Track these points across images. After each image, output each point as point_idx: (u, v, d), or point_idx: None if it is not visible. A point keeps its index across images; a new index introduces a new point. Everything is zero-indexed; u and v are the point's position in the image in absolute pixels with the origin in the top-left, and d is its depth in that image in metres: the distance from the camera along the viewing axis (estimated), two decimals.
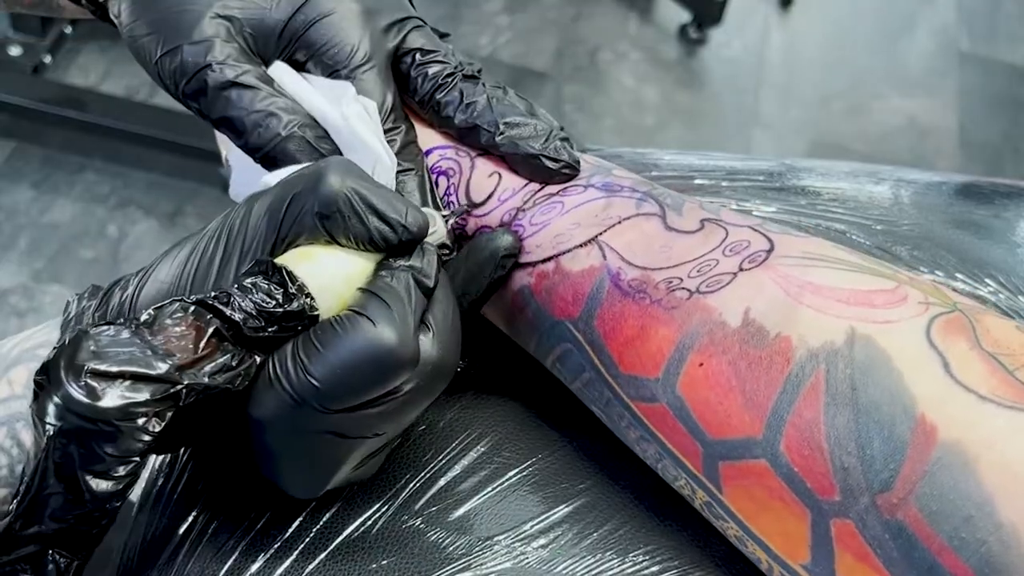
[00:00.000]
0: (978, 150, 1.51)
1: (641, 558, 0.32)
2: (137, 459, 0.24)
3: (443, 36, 0.37)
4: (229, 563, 0.32)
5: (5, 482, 0.28)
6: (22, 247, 1.20)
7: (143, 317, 0.25)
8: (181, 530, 0.33)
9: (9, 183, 1.26)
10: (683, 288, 0.29)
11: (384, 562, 0.31)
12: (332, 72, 0.33)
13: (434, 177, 0.34)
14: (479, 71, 0.35)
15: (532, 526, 0.32)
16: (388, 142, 0.33)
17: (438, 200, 0.34)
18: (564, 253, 0.32)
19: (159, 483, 0.35)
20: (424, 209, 0.29)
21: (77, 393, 0.23)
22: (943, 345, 0.25)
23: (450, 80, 0.34)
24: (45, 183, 1.26)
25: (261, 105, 0.32)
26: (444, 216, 0.31)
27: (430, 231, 0.29)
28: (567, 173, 0.33)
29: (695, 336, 0.28)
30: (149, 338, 0.24)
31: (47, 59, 1.34)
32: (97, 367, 0.23)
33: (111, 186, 1.26)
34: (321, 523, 0.32)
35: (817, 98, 1.54)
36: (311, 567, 0.31)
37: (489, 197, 0.34)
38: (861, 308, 0.26)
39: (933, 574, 0.23)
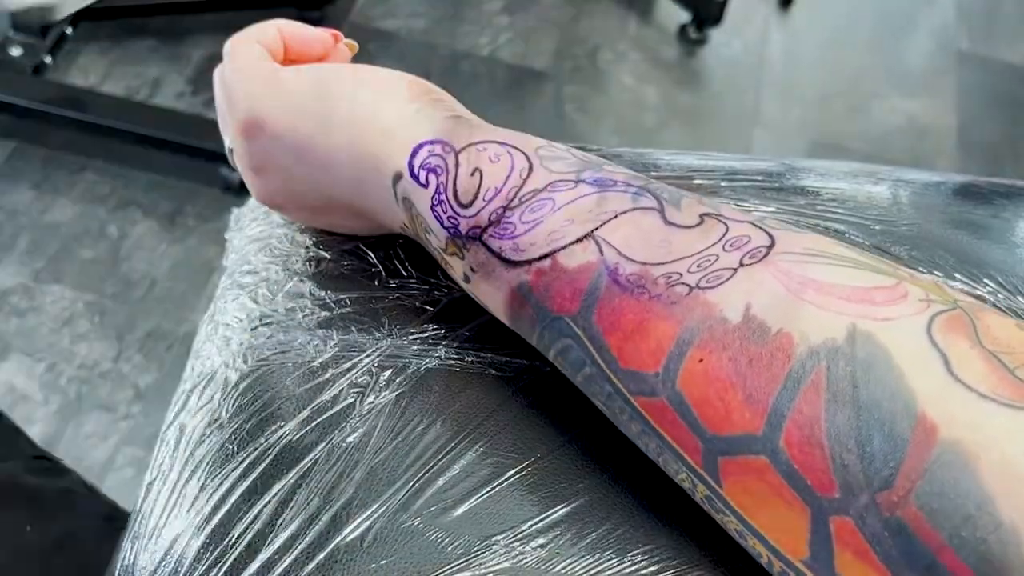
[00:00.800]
0: (977, 150, 1.51)
1: (640, 558, 0.32)
2: None
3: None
4: (228, 563, 0.32)
5: None
6: (22, 247, 1.20)
7: None
8: (180, 529, 0.33)
9: (9, 183, 1.26)
10: (683, 283, 0.29)
11: (383, 562, 0.31)
12: None
13: (424, 174, 0.34)
14: None
15: (531, 526, 0.32)
16: None
17: None
18: (560, 250, 0.32)
19: (161, 481, 0.35)
20: None
21: None
22: (944, 343, 0.25)
23: None
24: (45, 183, 1.26)
25: None
26: None
27: None
28: None
29: (695, 332, 0.28)
30: None
31: (47, 59, 1.34)
32: None
33: (111, 186, 1.26)
34: (319, 524, 0.32)
35: (817, 98, 1.54)
36: (309, 568, 0.31)
37: (475, 199, 0.33)
38: (862, 305, 0.26)
39: (932, 572, 0.23)
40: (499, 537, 0.32)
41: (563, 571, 0.31)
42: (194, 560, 0.32)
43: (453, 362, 0.37)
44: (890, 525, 0.24)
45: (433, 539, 0.32)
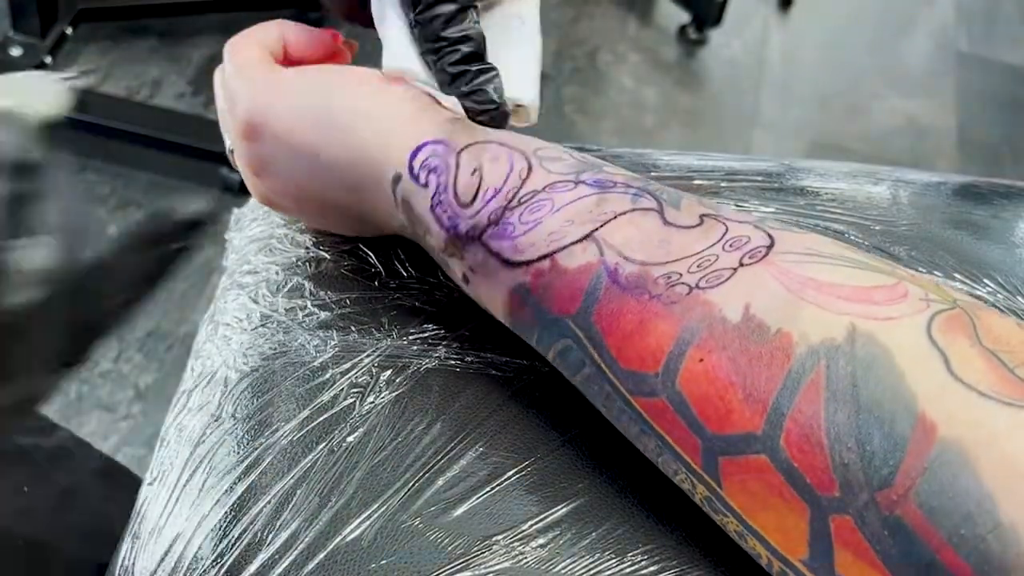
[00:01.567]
0: (977, 150, 1.51)
1: (640, 558, 0.32)
2: None
3: None
4: (228, 563, 0.32)
5: None
6: None
7: None
8: (181, 529, 0.33)
9: None
10: (682, 283, 0.29)
11: (383, 562, 0.31)
12: None
13: (424, 174, 0.34)
14: None
15: (531, 526, 0.32)
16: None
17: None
18: (560, 250, 0.32)
19: (162, 481, 0.35)
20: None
21: None
22: (944, 342, 0.25)
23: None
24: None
25: None
26: None
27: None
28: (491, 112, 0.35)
29: (695, 331, 0.28)
30: None
31: (47, 59, 1.34)
32: None
33: (111, 186, 1.26)
34: (320, 524, 0.32)
35: (817, 98, 1.54)
36: (309, 567, 0.31)
37: (474, 198, 0.33)
38: (862, 305, 0.26)
39: (932, 571, 0.23)
40: (499, 537, 0.32)
41: (563, 571, 0.31)
42: (194, 560, 0.32)
43: (453, 362, 0.37)
44: (890, 524, 0.24)
45: (433, 539, 0.32)
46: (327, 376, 0.36)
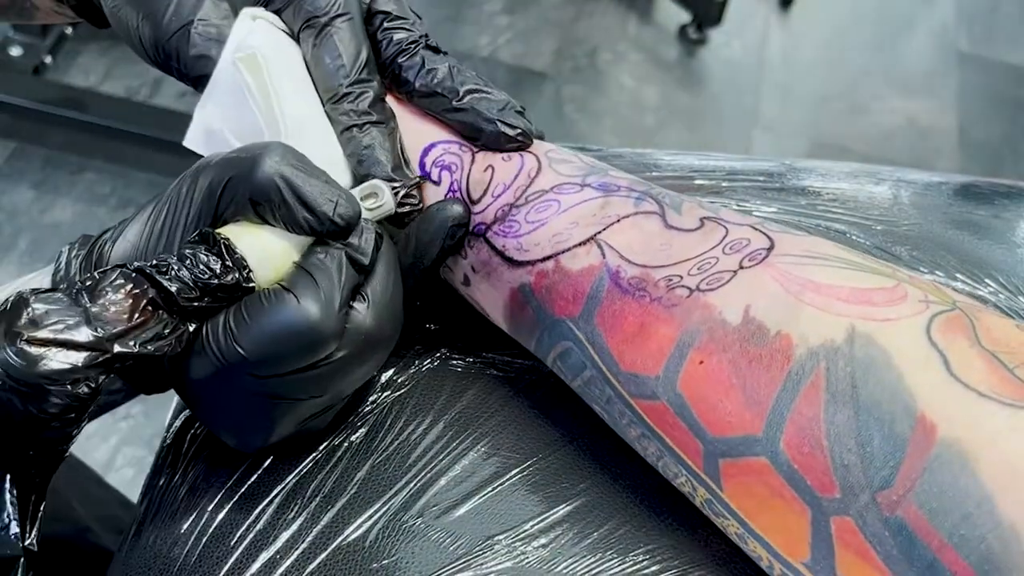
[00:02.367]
0: (977, 150, 1.51)
1: (641, 558, 0.32)
2: (73, 416, 0.26)
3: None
4: (229, 563, 0.32)
5: None
6: (22, 247, 1.20)
7: (88, 282, 0.26)
8: (183, 528, 0.33)
9: (9, 183, 1.26)
10: (683, 286, 0.29)
11: (385, 562, 0.31)
12: (308, 20, 0.34)
13: (437, 171, 0.34)
14: (445, 53, 0.36)
15: (532, 526, 0.32)
16: (359, 95, 0.33)
17: (405, 156, 0.34)
18: (563, 252, 0.32)
19: (162, 481, 0.35)
20: (372, 182, 0.31)
21: (12, 359, 0.24)
22: (943, 343, 0.25)
23: (413, 47, 0.35)
24: (45, 183, 1.26)
25: None
26: (394, 188, 0.32)
27: (375, 204, 0.31)
28: (521, 140, 0.34)
29: (695, 334, 0.28)
30: (88, 305, 0.26)
31: (47, 59, 1.34)
32: (32, 334, 0.25)
33: (111, 186, 1.26)
34: (322, 523, 0.32)
35: (817, 98, 1.54)
36: (312, 567, 0.31)
37: (484, 193, 0.34)
38: (861, 306, 0.26)
39: (933, 571, 0.23)
40: (501, 537, 0.32)
41: (565, 571, 0.31)
42: (195, 560, 0.32)
43: (455, 362, 0.37)
44: (890, 524, 0.24)
45: (435, 539, 0.32)
46: None
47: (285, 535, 0.32)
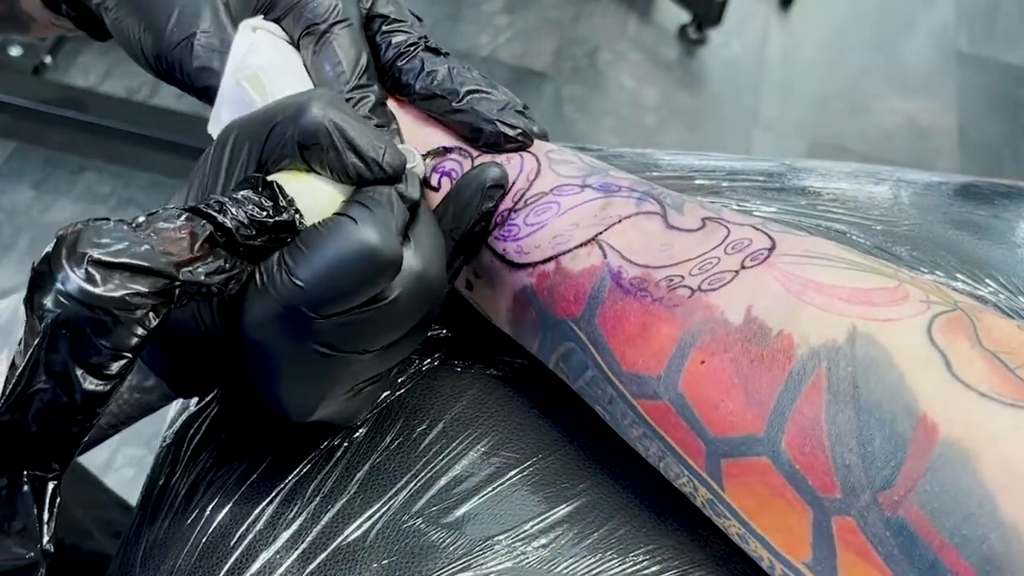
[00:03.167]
0: (977, 151, 1.51)
1: (641, 558, 0.32)
2: (129, 356, 0.24)
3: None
4: (229, 563, 0.32)
5: None
6: (22, 247, 1.20)
7: (139, 219, 0.25)
8: (182, 528, 0.33)
9: (9, 183, 1.26)
10: (684, 286, 0.29)
11: (384, 562, 0.31)
12: (308, 27, 0.33)
13: (437, 177, 0.34)
14: (446, 54, 0.36)
15: (532, 526, 0.32)
16: (360, 100, 0.33)
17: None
18: (564, 253, 0.32)
19: (162, 481, 0.36)
20: (403, 146, 0.31)
21: (78, 279, 0.23)
22: (944, 343, 0.25)
23: (412, 49, 0.34)
24: (45, 183, 1.26)
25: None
26: (424, 155, 0.32)
27: (409, 165, 0.30)
28: (521, 140, 0.34)
29: (697, 334, 0.28)
30: (151, 234, 0.24)
31: (47, 59, 1.34)
32: (98, 256, 0.23)
33: (111, 186, 1.26)
34: (321, 523, 0.32)
35: (817, 98, 1.55)
36: (311, 567, 0.31)
37: None
38: (863, 306, 0.26)
39: (934, 571, 0.23)
40: (501, 537, 0.32)
41: (565, 571, 0.31)
42: (196, 560, 0.32)
43: (456, 362, 0.37)
44: (892, 525, 0.24)
45: (435, 539, 0.32)
46: None
47: (285, 535, 0.32)
